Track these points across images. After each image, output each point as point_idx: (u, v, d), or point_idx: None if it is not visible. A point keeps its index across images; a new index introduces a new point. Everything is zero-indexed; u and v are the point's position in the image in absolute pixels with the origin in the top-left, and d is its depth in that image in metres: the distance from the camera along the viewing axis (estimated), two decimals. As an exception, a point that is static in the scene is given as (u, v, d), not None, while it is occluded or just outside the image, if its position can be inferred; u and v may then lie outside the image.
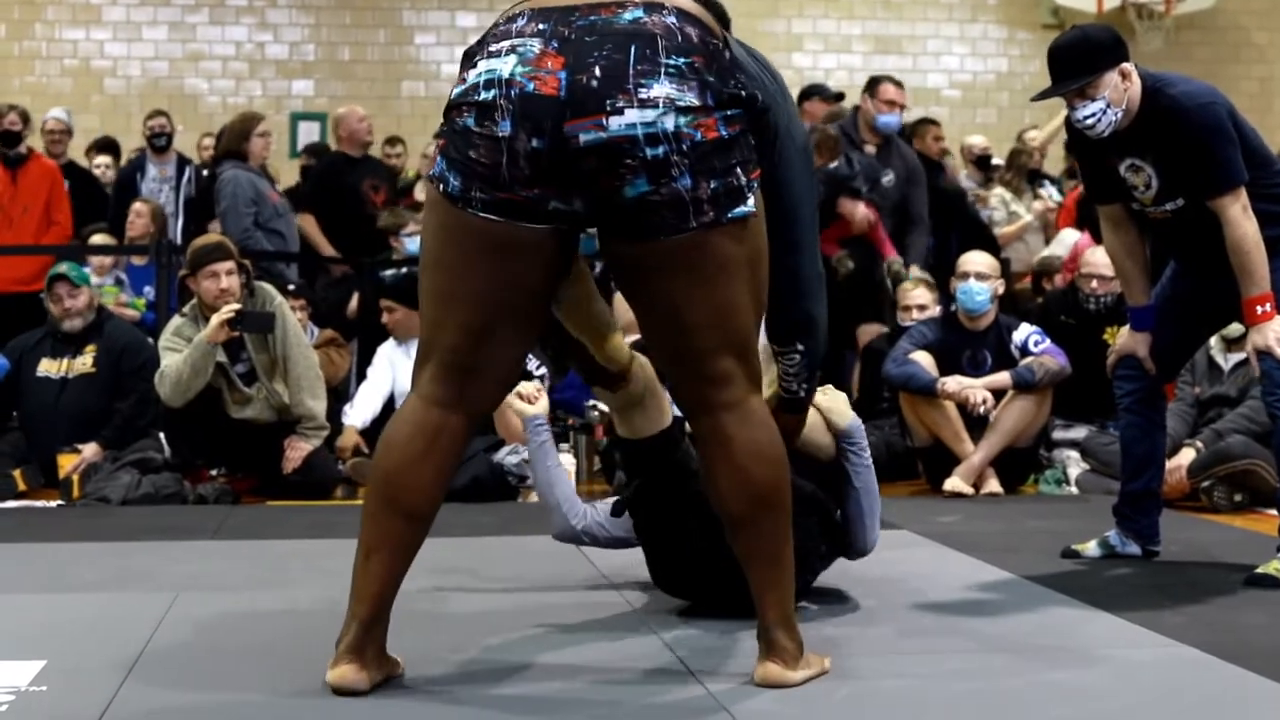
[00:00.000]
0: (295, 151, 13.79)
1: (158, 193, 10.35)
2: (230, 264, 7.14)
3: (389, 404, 8.02)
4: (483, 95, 3.09)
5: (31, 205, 9.55)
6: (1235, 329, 6.87)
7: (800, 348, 3.69)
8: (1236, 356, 7.11)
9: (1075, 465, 7.48)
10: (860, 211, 8.52)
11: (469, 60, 3.20)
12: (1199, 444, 6.84)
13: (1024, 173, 11.33)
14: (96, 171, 11.34)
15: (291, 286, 8.40)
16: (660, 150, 3.04)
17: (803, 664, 3.39)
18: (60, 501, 7.05)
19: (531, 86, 3.05)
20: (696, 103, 3.06)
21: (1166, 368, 5.23)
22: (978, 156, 11.62)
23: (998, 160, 11.70)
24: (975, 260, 7.58)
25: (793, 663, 3.36)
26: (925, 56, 15.71)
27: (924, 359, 7.34)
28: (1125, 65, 4.79)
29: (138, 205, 9.77)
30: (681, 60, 3.07)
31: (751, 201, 3.18)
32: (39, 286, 8.19)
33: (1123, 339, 5.26)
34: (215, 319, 6.90)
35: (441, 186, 3.21)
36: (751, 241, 3.22)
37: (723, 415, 3.28)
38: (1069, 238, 10.23)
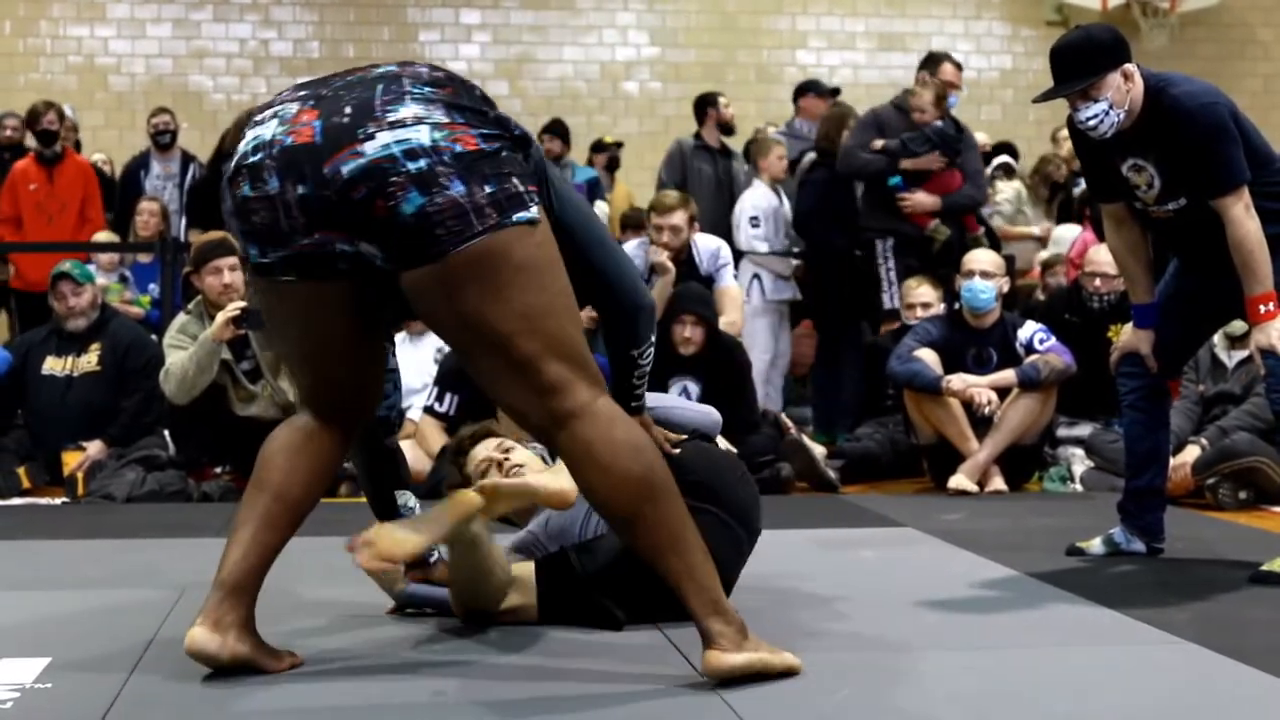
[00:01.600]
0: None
1: (161, 190, 10.37)
2: (233, 259, 7.14)
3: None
4: (251, 160, 3.23)
5: (69, 202, 9.64)
6: (1239, 326, 6.86)
7: (651, 342, 3.71)
8: (1240, 354, 7.11)
9: (1080, 463, 7.48)
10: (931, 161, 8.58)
11: (246, 125, 3.37)
12: (1204, 441, 6.83)
13: (1049, 182, 11.26)
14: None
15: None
16: (422, 163, 3.10)
17: (748, 646, 3.32)
18: (65, 499, 7.06)
19: (290, 140, 3.18)
20: (445, 120, 3.15)
21: (1170, 364, 5.23)
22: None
23: (1006, 159, 11.69)
24: (980, 258, 7.58)
25: (731, 646, 3.29)
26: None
27: (929, 356, 7.34)
28: (1127, 66, 4.78)
29: (148, 205, 9.78)
30: (428, 89, 3.20)
31: (535, 210, 3.20)
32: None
33: (1125, 336, 5.26)
34: (220, 317, 6.90)
35: (247, 258, 3.41)
36: (546, 246, 3.23)
37: (574, 425, 3.23)
38: (1067, 234, 10.22)
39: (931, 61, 8.94)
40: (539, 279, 3.19)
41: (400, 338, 8.09)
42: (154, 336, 7.90)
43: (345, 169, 3.10)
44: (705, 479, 3.98)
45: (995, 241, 9.04)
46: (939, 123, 8.60)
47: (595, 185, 11.09)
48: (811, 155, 9.20)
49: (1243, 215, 4.75)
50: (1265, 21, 16.05)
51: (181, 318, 7.27)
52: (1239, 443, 6.70)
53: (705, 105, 10.26)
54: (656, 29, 15.12)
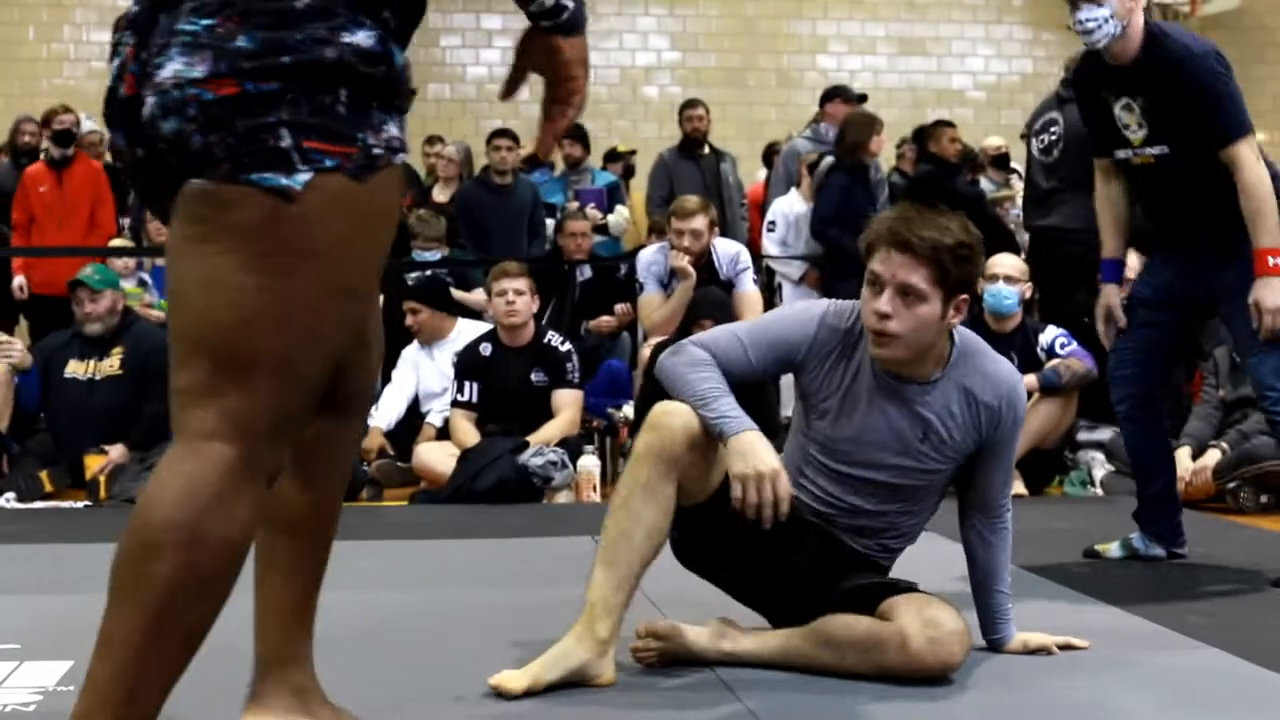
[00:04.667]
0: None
1: (180, 194, 10.40)
2: None
3: (413, 406, 8.06)
4: (106, 110, 2.56)
5: (79, 206, 9.69)
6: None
7: None
8: (1261, 357, 7.10)
9: (1100, 466, 7.48)
10: None
11: None
12: (1224, 445, 6.83)
13: None
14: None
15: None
16: (172, 123, 2.37)
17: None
18: (87, 502, 7.09)
19: (122, 90, 2.49)
20: (201, 74, 2.35)
21: (1159, 366, 5.21)
22: (994, 157, 11.62)
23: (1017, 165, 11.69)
24: (1004, 263, 7.57)
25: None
26: (950, 58, 15.70)
27: (949, 360, 7.34)
28: None
29: None
30: (202, 24, 2.38)
31: (302, 178, 2.34)
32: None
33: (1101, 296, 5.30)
34: None
35: None
36: (285, 230, 2.34)
37: (174, 444, 2.41)
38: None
39: None
40: (245, 256, 2.37)
41: (414, 347, 8.12)
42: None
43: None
44: None
45: (1013, 247, 9.04)
46: None
47: (615, 190, 11.12)
48: (830, 159, 9.20)
49: (1254, 162, 4.76)
50: (1287, 25, 16.03)
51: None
52: (1260, 447, 6.69)
53: (681, 114, 11.16)
54: (677, 34, 15.15)
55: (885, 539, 3.80)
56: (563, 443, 7.28)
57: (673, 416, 3.50)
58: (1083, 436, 7.71)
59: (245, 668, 2.96)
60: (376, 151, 2.41)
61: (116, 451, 7.36)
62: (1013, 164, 11.70)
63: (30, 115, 11.02)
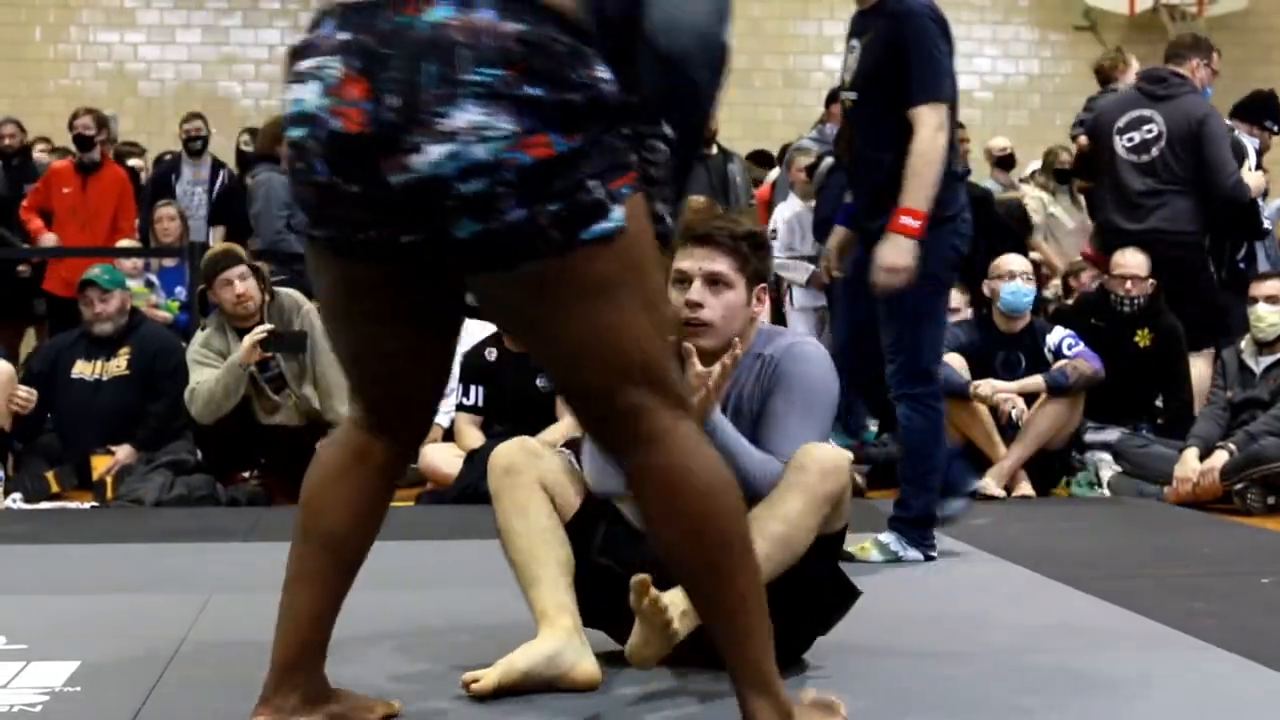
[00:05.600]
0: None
1: (191, 195, 10.43)
2: (242, 268, 7.16)
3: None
4: (294, 133, 2.68)
5: (102, 210, 9.76)
6: (1268, 331, 6.87)
7: (665, 130, 2.78)
8: (1268, 359, 7.10)
9: (1107, 468, 7.47)
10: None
11: (291, 64, 2.76)
12: (1232, 446, 6.82)
13: (1052, 173, 11.26)
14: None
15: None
16: (480, 184, 2.54)
17: None
18: (94, 503, 7.09)
19: (338, 124, 2.58)
20: (511, 129, 2.53)
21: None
22: (999, 158, 11.61)
23: (1035, 164, 11.69)
24: (1016, 261, 7.57)
25: None
26: (957, 58, 15.68)
27: (956, 361, 7.33)
28: None
29: (166, 210, 9.83)
30: (490, 74, 2.53)
31: (618, 213, 2.63)
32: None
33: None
34: (247, 341, 6.89)
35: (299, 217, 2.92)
36: (625, 257, 2.66)
37: (644, 449, 2.74)
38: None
39: (1209, 49, 8.43)
40: (612, 297, 2.67)
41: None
42: (183, 341, 7.92)
43: (394, 179, 2.56)
44: None
45: (1020, 248, 9.04)
46: None
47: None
48: (829, 160, 9.18)
49: (934, 130, 4.93)
50: (1293, 25, 15.99)
51: (202, 333, 7.29)
52: (1267, 448, 6.68)
53: None
54: (683, 34, 15.12)
55: None
56: (568, 444, 7.27)
57: (494, 456, 3.79)
58: (1090, 437, 7.71)
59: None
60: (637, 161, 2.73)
61: (123, 452, 7.36)
62: (1018, 166, 11.70)
63: (11, 117, 11.09)
